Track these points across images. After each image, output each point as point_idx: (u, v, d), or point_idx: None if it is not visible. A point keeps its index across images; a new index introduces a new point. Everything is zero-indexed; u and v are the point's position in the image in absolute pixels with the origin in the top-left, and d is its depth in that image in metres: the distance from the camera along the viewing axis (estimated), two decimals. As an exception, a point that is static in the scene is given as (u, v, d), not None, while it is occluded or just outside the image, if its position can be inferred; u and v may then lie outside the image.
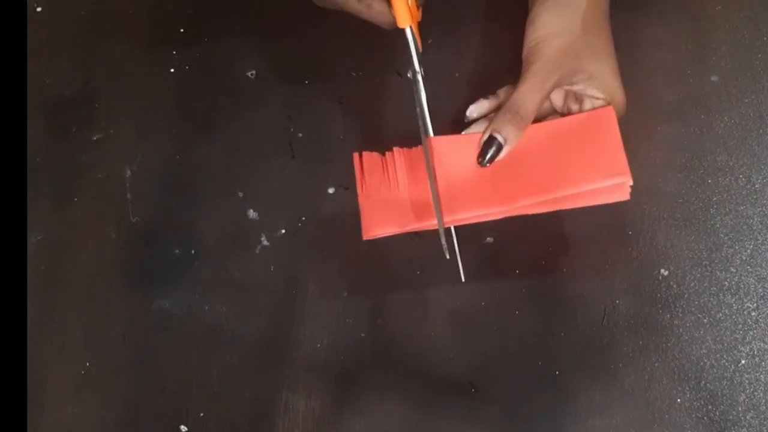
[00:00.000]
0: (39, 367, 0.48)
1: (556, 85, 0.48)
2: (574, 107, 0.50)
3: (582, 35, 0.48)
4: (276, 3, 0.58)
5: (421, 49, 0.47)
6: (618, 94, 0.49)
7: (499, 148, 0.47)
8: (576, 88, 0.49)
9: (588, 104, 0.49)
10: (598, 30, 0.49)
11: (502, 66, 0.55)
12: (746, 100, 0.53)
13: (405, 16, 0.44)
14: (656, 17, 0.55)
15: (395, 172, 0.50)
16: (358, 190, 0.49)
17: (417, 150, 0.51)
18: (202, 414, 0.47)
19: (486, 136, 0.47)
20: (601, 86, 0.49)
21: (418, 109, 0.48)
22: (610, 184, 0.47)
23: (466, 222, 0.48)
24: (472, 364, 0.48)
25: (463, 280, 0.48)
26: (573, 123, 0.49)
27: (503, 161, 0.48)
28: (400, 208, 0.49)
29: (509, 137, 0.47)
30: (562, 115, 0.51)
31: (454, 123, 0.54)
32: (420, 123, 0.48)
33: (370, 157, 0.51)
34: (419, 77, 0.47)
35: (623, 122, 0.48)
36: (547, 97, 0.49)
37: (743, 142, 0.52)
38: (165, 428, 0.47)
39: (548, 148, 0.48)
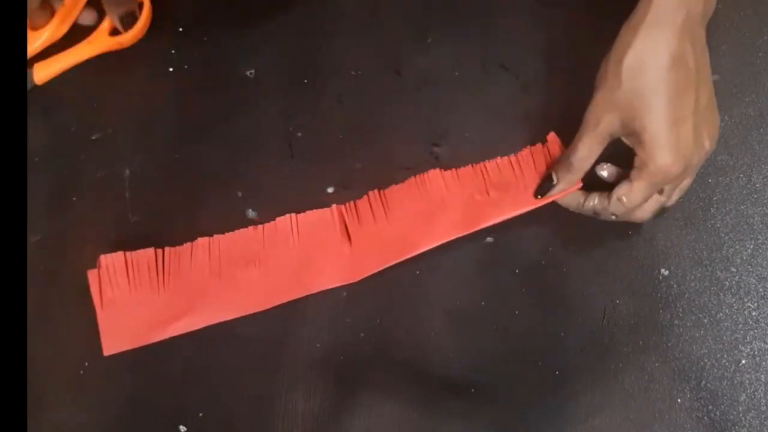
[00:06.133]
0: (39, 367, 0.48)
1: (616, 131, 0.44)
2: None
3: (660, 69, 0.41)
4: (276, 3, 0.58)
5: None
6: (660, 155, 0.41)
7: (551, 187, 0.48)
8: (628, 140, 0.44)
9: (637, 160, 0.44)
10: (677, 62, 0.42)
11: (502, 66, 0.55)
12: (747, 99, 0.53)
13: None
14: (656, 16, 0.55)
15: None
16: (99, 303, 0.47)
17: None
18: (201, 414, 0.47)
19: (547, 173, 0.49)
20: (644, 141, 0.42)
21: None
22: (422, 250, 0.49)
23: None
24: (472, 364, 0.48)
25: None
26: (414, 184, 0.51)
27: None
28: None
29: (561, 180, 0.48)
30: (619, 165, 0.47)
31: (451, 124, 0.54)
32: None
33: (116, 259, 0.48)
34: None
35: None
36: (605, 143, 0.45)
37: (744, 141, 0.52)
38: (165, 428, 0.47)
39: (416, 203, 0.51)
